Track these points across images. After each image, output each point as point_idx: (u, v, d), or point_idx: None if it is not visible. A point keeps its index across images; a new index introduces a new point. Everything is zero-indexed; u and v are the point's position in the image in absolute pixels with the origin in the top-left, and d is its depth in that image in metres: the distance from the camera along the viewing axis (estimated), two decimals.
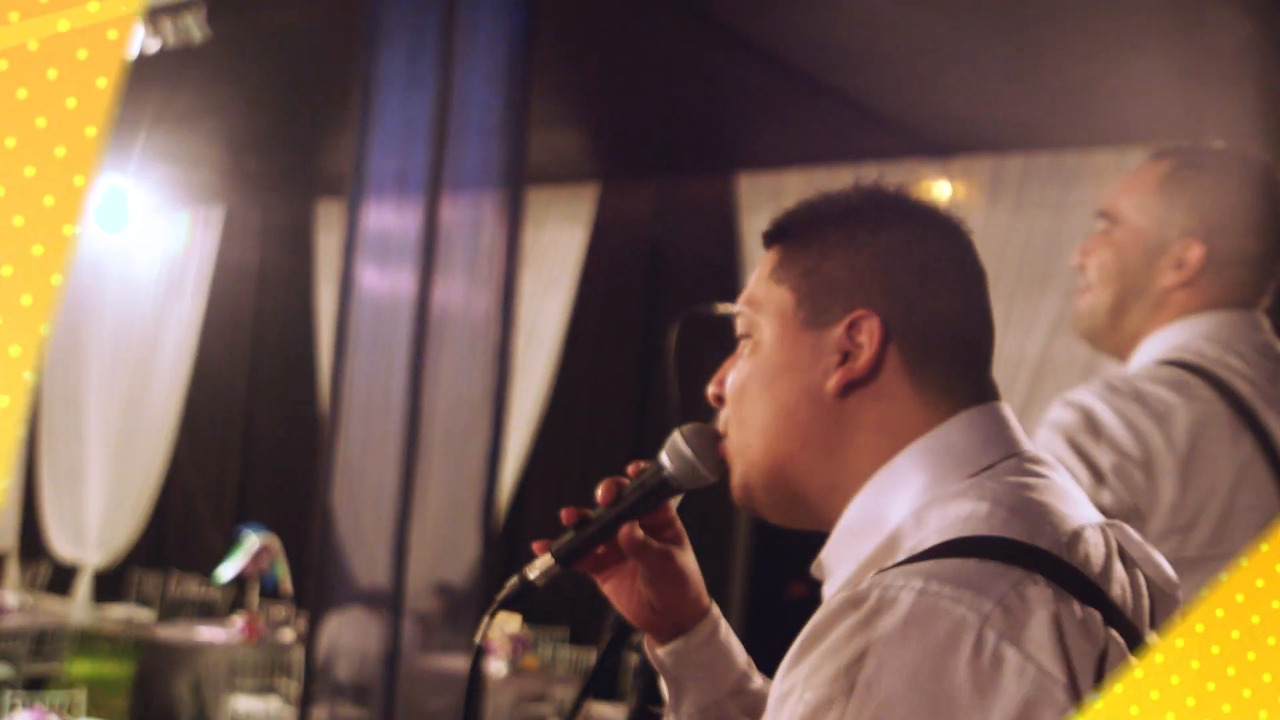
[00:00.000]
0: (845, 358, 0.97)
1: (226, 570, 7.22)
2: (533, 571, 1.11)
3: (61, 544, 11.03)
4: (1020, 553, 0.85)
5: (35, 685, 7.34)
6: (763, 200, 7.82)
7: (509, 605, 1.12)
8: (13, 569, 11.13)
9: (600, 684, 1.28)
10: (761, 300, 1.04)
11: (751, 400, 1.02)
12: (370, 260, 4.69)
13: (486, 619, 1.11)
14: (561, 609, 8.11)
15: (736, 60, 5.75)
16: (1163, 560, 1.00)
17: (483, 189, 4.77)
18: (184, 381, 10.55)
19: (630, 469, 1.15)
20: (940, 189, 7.17)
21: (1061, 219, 6.67)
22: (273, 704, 5.94)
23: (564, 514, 1.13)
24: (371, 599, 4.79)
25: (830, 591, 0.96)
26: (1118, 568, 0.93)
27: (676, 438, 1.11)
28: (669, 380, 1.42)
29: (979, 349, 1.00)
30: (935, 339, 0.97)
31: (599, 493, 1.13)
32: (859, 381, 0.97)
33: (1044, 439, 1.63)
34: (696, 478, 1.10)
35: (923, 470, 0.94)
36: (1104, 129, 6.28)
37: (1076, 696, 0.80)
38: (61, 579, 10.65)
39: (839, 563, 0.97)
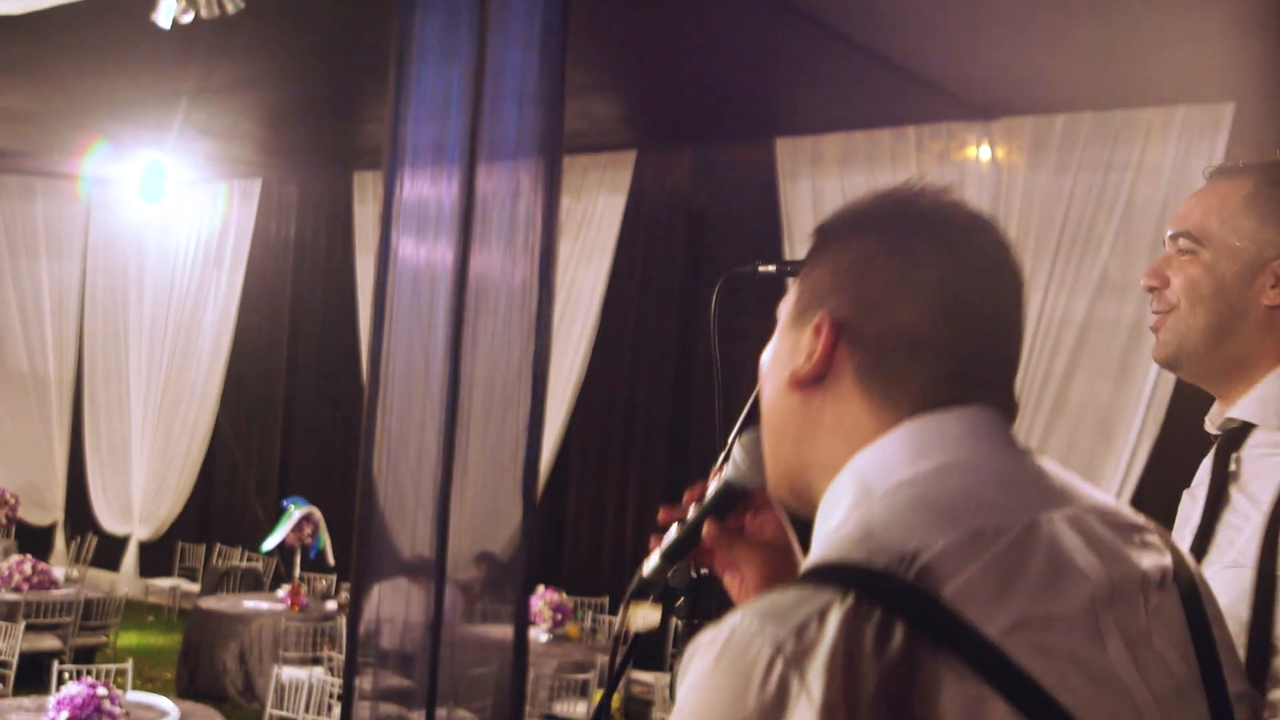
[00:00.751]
0: (807, 358, 1.00)
1: (270, 541, 7.27)
2: (645, 569, 1.25)
3: (108, 518, 11.16)
4: (836, 573, 0.85)
5: (84, 656, 7.43)
6: (801, 164, 7.76)
7: (638, 597, 1.27)
8: (61, 542, 11.28)
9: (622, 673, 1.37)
10: (785, 298, 1.08)
11: (764, 393, 1.07)
12: (408, 231, 4.67)
13: (622, 611, 1.27)
14: (602, 579, 8.13)
15: (774, 23, 5.69)
16: (1166, 556, 0.99)
17: (520, 158, 4.74)
18: (225, 354, 10.62)
19: (713, 471, 1.25)
20: (982, 151, 7.08)
21: (1105, 178, 6.58)
22: (317, 673, 5.99)
23: (660, 513, 1.25)
24: (414, 568, 4.80)
25: None
26: (1074, 560, 0.91)
27: (736, 445, 1.21)
28: (711, 341, 1.51)
29: (964, 361, 0.99)
30: (890, 349, 0.97)
31: (684, 497, 1.26)
32: (810, 381, 0.99)
33: None
34: (753, 481, 1.20)
35: (850, 488, 0.96)
36: (1147, 87, 6.18)
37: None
38: (108, 552, 10.78)
39: None
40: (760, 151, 7.82)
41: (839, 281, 1.00)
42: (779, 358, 1.04)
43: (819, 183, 7.69)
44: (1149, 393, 6.41)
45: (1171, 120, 6.37)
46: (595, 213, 8.46)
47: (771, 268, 1.77)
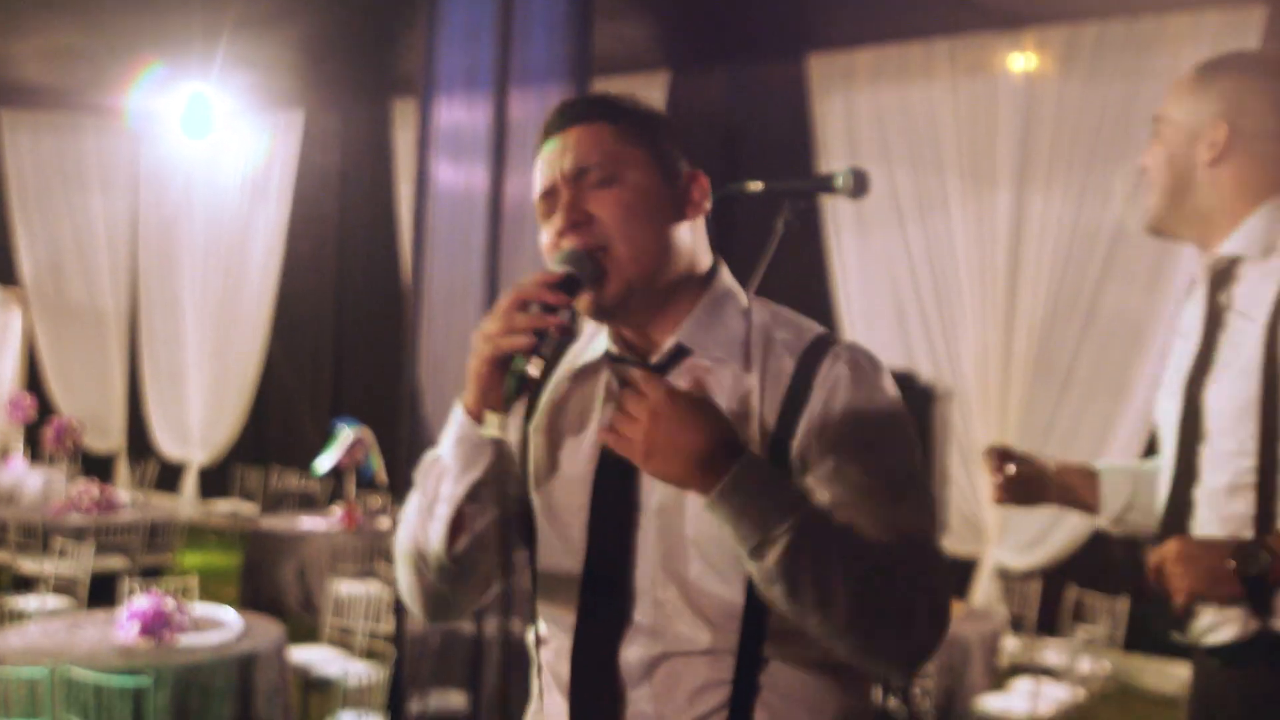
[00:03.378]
0: None
1: (323, 463, 7.48)
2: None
3: (167, 443, 11.48)
4: None
5: (150, 575, 7.73)
6: (835, 80, 7.79)
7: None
8: (123, 468, 11.63)
9: None
10: None
11: None
12: (443, 157, 4.79)
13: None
14: None
15: None
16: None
17: (551, 82, 4.83)
18: (274, 282, 10.84)
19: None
20: (1014, 62, 7.09)
21: (1137, 86, 6.58)
22: (372, 587, 6.22)
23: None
24: None
25: None
26: None
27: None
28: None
29: None
30: None
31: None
32: None
33: None
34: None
35: None
36: None
37: None
38: (169, 476, 11.11)
39: None
40: (793, 69, 7.85)
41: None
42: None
43: (852, 99, 7.73)
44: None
45: (1201, 26, 6.36)
46: None
47: (760, 185, 2.05)
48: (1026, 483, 2.18)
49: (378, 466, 7.70)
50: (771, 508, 1.32)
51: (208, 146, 10.50)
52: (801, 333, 1.51)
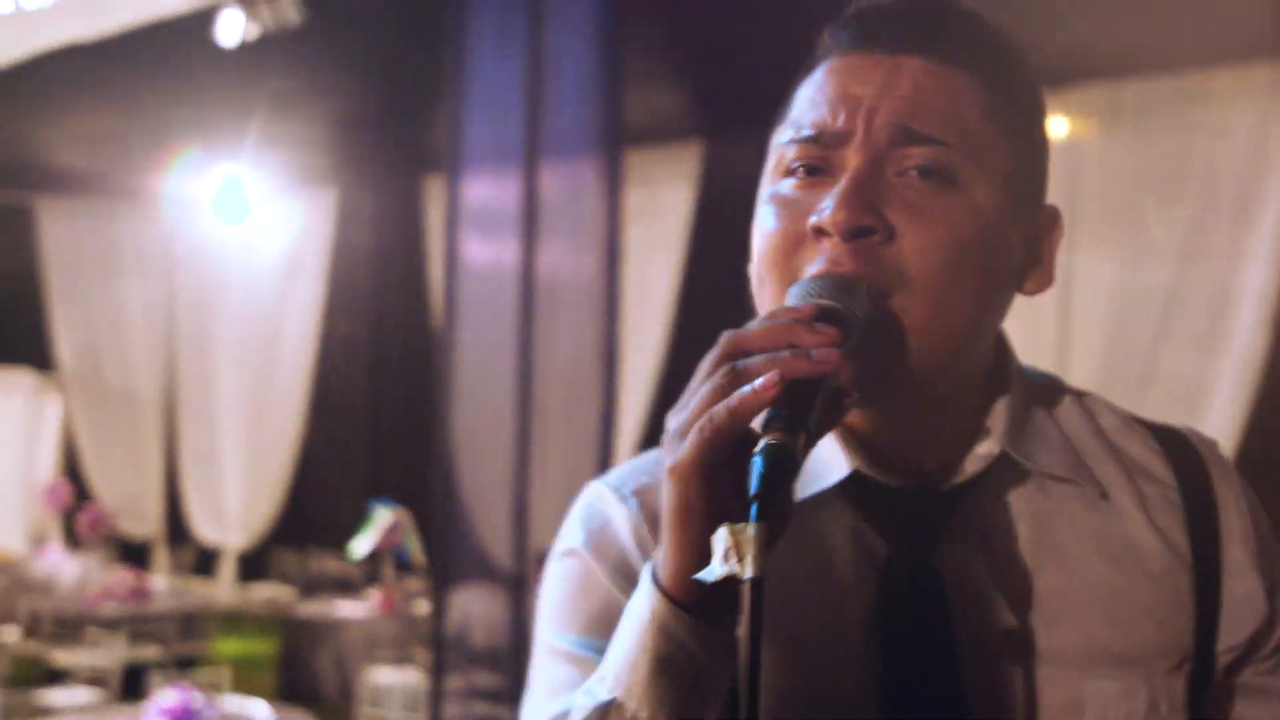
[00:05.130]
0: None
1: (360, 546, 7.35)
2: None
3: (204, 527, 11.38)
4: None
5: (185, 665, 7.59)
6: None
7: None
8: (161, 554, 11.53)
9: None
10: None
11: None
12: (473, 232, 4.69)
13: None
14: None
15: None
16: None
17: (581, 153, 4.73)
18: (310, 362, 10.78)
19: None
20: (1056, 121, 6.94)
21: (1185, 143, 6.41)
22: (410, 675, 6.05)
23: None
24: (496, 567, 4.83)
25: None
26: None
27: None
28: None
29: None
30: None
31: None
32: None
33: None
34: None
35: None
36: (1224, 46, 6.01)
37: None
38: (207, 561, 10.99)
39: None
40: None
41: None
42: None
43: None
44: (1240, 361, 6.25)
45: (1249, 80, 6.20)
46: (666, 204, 8.43)
47: None
48: None
49: (415, 549, 7.56)
50: None
51: (241, 228, 10.51)
52: (1129, 419, 1.03)
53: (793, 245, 0.89)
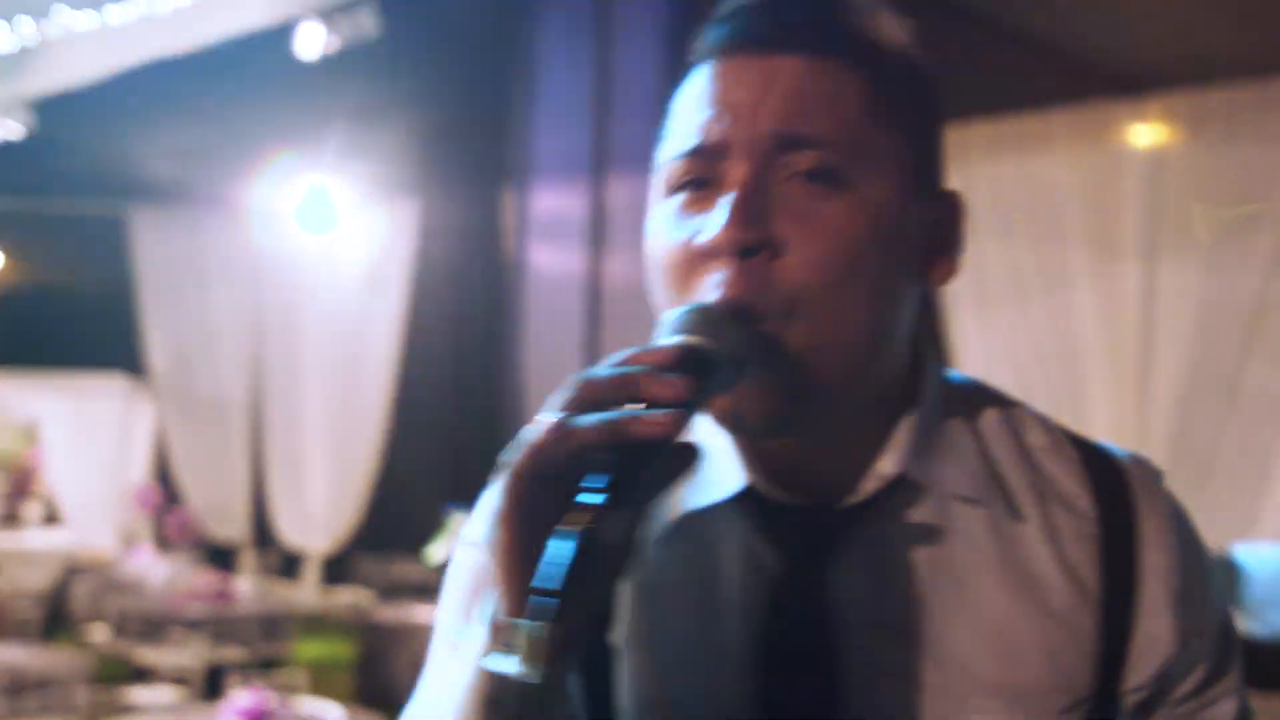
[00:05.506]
0: None
1: (436, 552, 7.42)
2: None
3: (289, 531, 11.57)
4: None
5: (266, 666, 7.72)
6: (949, 151, 7.59)
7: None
8: (248, 557, 11.74)
9: None
10: None
11: None
12: (541, 241, 4.74)
13: None
14: None
15: (904, 9, 5.58)
16: None
17: (648, 164, 4.74)
18: (392, 370, 10.91)
19: None
20: (1138, 128, 6.83)
21: (1273, 150, 6.27)
22: None
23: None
24: None
25: None
26: None
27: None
28: None
29: None
30: None
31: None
32: None
33: None
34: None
35: None
36: None
37: None
38: (291, 565, 11.17)
39: None
40: None
41: None
42: None
43: (969, 173, 7.52)
44: None
45: None
46: None
47: None
48: None
49: None
50: None
51: (326, 238, 10.67)
52: (1060, 440, 1.00)
53: (684, 267, 0.87)
